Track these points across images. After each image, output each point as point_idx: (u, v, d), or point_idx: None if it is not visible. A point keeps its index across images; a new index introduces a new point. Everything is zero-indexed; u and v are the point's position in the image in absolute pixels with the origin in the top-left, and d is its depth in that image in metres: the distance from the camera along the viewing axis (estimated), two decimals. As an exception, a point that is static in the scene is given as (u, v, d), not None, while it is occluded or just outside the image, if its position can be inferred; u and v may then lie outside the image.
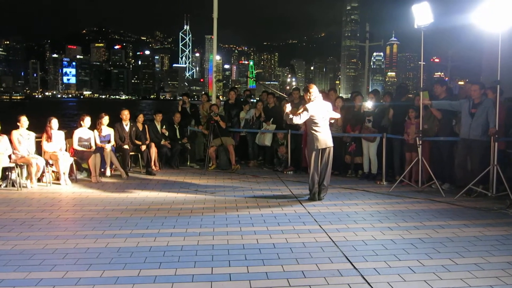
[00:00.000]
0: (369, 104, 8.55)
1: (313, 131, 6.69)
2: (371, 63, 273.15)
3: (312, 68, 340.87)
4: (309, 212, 6.09)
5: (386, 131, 8.40)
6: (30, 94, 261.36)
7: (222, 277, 3.80)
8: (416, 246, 4.67)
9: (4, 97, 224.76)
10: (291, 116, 6.60)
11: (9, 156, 7.68)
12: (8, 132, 7.80)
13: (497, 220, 5.76)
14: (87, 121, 8.76)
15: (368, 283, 3.68)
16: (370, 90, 14.71)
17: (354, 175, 9.10)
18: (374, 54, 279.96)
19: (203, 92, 29.79)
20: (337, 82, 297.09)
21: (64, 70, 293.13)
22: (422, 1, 7.32)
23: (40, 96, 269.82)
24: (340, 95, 11.22)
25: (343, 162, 9.20)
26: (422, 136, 7.55)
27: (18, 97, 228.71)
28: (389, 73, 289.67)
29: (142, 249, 4.53)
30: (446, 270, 3.97)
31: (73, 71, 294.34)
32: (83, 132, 8.70)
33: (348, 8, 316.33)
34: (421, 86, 7.99)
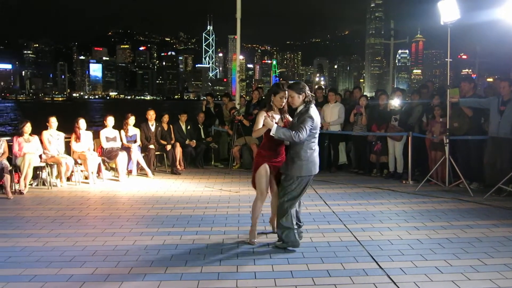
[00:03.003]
0: (395, 102, 8.42)
1: (308, 150, 4.51)
2: (396, 61, 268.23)
3: (335, 66, 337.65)
4: (333, 212, 6.06)
5: (412, 130, 8.28)
6: (71, 96, 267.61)
7: (247, 275, 3.84)
8: (444, 246, 4.60)
9: (46, 98, 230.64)
10: (279, 131, 4.45)
11: (40, 156, 7.90)
12: (38, 133, 8.02)
13: (528, 220, 5.62)
14: (110, 120, 8.90)
15: (394, 283, 3.65)
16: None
17: (379, 174, 9.01)
18: (399, 51, 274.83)
19: (226, 92, 29.93)
20: (362, 80, 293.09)
21: (91, 69, 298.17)
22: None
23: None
24: (365, 93, 11.11)
25: (368, 161, 9.13)
26: (450, 134, 7.43)
27: (60, 99, 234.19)
28: (414, 71, 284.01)
29: (169, 247, 4.61)
30: (475, 271, 3.91)
31: (99, 73, 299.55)
32: (109, 132, 8.85)
33: (372, 5, 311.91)
34: (448, 84, 7.86)
